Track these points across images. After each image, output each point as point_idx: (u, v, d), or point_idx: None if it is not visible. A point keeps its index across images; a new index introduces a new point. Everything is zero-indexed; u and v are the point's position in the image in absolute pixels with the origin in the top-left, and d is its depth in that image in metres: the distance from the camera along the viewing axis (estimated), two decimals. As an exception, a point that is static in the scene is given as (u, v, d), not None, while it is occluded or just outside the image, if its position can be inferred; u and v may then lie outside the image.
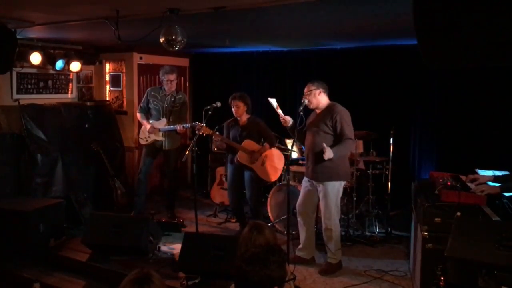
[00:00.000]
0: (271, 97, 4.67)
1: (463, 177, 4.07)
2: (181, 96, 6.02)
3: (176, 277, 4.17)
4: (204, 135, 5.30)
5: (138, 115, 6.03)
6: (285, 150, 5.84)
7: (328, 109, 4.48)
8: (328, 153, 4.21)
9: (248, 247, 2.53)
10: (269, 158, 5.43)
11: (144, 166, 6.00)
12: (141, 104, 6.05)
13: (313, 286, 4.25)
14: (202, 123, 5.03)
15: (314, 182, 4.53)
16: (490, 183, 3.68)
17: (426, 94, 6.08)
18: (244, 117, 5.40)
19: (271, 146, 5.45)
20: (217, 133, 5.38)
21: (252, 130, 5.38)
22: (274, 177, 5.51)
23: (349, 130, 4.38)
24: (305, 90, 4.54)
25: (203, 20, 4.39)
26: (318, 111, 4.56)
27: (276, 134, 5.77)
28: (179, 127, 5.72)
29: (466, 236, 2.80)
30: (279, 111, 4.66)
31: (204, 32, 5.28)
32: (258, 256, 2.07)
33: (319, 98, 4.50)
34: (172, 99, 5.89)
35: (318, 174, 4.44)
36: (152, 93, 5.95)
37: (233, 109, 5.34)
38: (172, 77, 5.79)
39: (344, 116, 4.40)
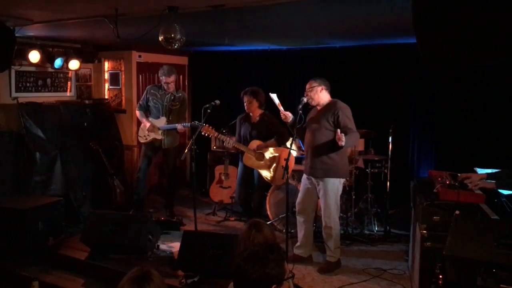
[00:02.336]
0: (272, 93, 4.65)
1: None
2: (180, 94, 6.02)
3: (175, 275, 4.16)
4: (210, 136, 5.28)
5: (137, 112, 6.02)
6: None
7: (329, 106, 4.47)
8: (343, 139, 4.11)
9: (247, 246, 2.53)
10: (277, 160, 5.37)
11: (143, 164, 6.00)
12: (141, 102, 6.04)
13: (312, 285, 4.25)
14: (201, 121, 5.01)
15: (313, 179, 4.53)
16: (487, 181, 3.68)
17: (425, 92, 6.08)
18: (256, 113, 5.35)
19: (279, 143, 5.35)
20: (222, 136, 5.34)
21: (262, 128, 5.33)
22: (279, 180, 5.40)
23: (351, 124, 4.38)
24: (307, 86, 4.53)
25: (202, 18, 4.39)
26: (319, 107, 4.55)
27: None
28: (179, 127, 5.72)
29: (464, 235, 2.80)
30: (280, 107, 4.65)
31: (203, 31, 5.27)
32: (257, 255, 2.07)
33: (321, 95, 4.49)
34: (172, 98, 5.88)
35: (316, 170, 4.44)
36: (151, 91, 5.94)
37: (244, 104, 5.30)
38: (170, 79, 5.77)
39: (345, 111, 4.40)
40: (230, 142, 5.35)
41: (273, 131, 5.33)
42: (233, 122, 5.71)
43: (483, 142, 5.58)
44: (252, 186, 5.51)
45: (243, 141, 5.41)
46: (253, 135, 5.33)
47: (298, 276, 4.33)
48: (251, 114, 5.35)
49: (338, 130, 4.18)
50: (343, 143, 4.12)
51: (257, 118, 5.35)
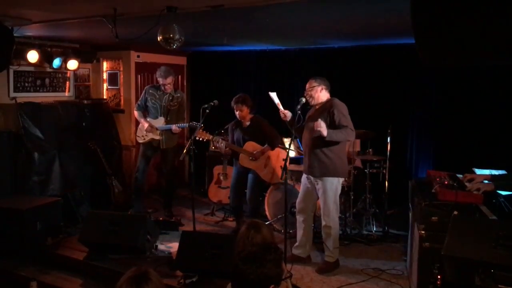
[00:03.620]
0: (271, 91, 4.65)
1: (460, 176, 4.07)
2: (179, 94, 6.01)
3: (173, 275, 4.17)
4: (205, 140, 5.29)
5: (136, 113, 6.01)
6: (283, 149, 5.83)
7: (326, 104, 4.47)
8: (322, 125, 4.12)
9: (245, 246, 2.53)
10: (272, 159, 5.40)
11: (141, 164, 5.99)
12: (139, 102, 6.03)
13: (311, 285, 4.25)
14: (199, 122, 5.01)
15: (312, 179, 4.53)
16: (486, 182, 3.69)
17: (423, 93, 6.09)
18: (247, 118, 5.39)
19: (272, 147, 5.40)
20: (216, 137, 5.35)
21: (255, 132, 5.36)
22: (277, 178, 5.43)
23: (346, 121, 4.35)
24: (307, 86, 4.52)
25: (200, 19, 4.39)
26: (317, 106, 4.56)
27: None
28: (174, 127, 5.73)
29: (463, 235, 2.81)
30: (280, 106, 4.64)
31: (201, 31, 5.27)
32: (254, 255, 2.07)
33: (321, 95, 4.49)
34: (170, 98, 5.88)
35: (315, 169, 4.44)
36: (150, 91, 5.94)
37: (236, 113, 5.32)
38: (167, 81, 5.76)
39: (341, 108, 4.38)
40: (224, 143, 5.36)
41: (265, 134, 5.38)
42: (225, 127, 5.69)
43: (481, 142, 5.59)
44: (245, 188, 5.52)
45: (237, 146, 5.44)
46: (246, 139, 5.36)
47: (296, 276, 4.33)
48: (242, 120, 5.38)
49: (319, 120, 4.16)
50: (320, 129, 4.12)
51: (248, 123, 5.39)
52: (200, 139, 5.21)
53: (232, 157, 5.60)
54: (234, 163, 5.58)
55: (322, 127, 4.14)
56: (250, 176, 5.45)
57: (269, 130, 5.40)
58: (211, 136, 5.26)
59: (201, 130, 5.10)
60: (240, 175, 5.49)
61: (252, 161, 5.34)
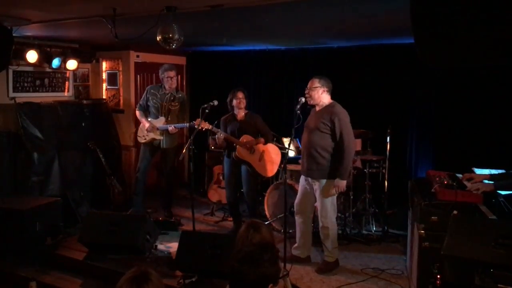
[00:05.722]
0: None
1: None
2: (180, 95, 6.02)
3: (173, 275, 4.17)
4: (204, 129, 5.29)
5: (137, 112, 6.01)
6: (282, 149, 5.84)
7: (328, 109, 4.46)
8: (341, 186, 4.40)
9: (243, 246, 2.52)
10: (267, 153, 5.46)
11: (142, 164, 5.99)
12: (141, 102, 6.04)
13: (310, 285, 4.25)
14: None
15: (310, 180, 4.53)
16: (486, 182, 3.70)
17: (423, 92, 6.08)
18: (242, 112, 5.42)
19: (266, 142, 5.46)
20: (216, 128, 5.38)
21: (249, 126, 5.40)
22: (271, 172, 5.53)
23: (347, 133, 4.36)
24: (309, 84, 4.50)
25: (200, 18, 4.39)
26: (317, 108, 4.55)
27: (273, 133, 5.81)
28: (170, 128, 5.73)
29: (462, 235, 2.81)
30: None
31: (201, 31, 5.27)
32: (251, 255, 2.07)
33: (322, 96, 4.48)
34: (172, 98, 5.88)
35: (313, 172, 4.45)
36: (151, 91, 5.94)
37: (235, 101, 5.35)
38: (172, 73, 5.80)
39: (343, 118, 4.38)
40: (223, 134, 5.36)
41: (259, 128, 5.44)
42: (215, 123, 5.68)
43: (481, 142, 5.58)
44: (241, 184, 5.53)
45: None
46: (241, 133, 5.37)
47: (296, 277, 4.34)
48: (236, 113, 5.40)
49: (334, 190, 4.42)
50: (343, 186, 4.41)
51: (243, 117, 5.41)
52: (203, 129, 5.20)
53: (226, 149, 5.59)
54: (226, 155, 5.56)
55: (339, 186, 4.39)
56: (243, 168, 5.45)
57: (264, 125, 5.50)
58: (210, 126, 5.27)
59: (203, 121, 5.10)
60: (233, 169, 5.49)
61: (250, 153, 5.35)
